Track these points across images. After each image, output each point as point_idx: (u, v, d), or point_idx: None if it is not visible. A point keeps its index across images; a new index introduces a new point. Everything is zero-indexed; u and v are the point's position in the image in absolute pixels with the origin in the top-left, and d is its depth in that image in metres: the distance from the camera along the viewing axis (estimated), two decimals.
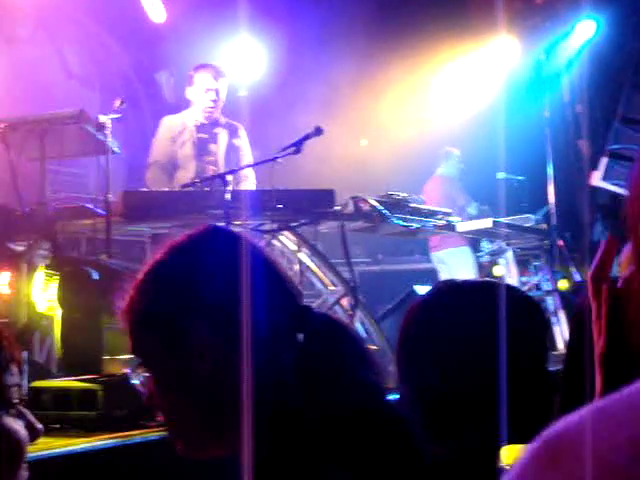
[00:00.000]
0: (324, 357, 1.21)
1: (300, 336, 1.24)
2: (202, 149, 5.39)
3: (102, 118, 4.46)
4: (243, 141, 5.55)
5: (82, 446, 2.65)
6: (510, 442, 1.37)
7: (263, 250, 1.36)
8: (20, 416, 1.31)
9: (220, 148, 5.43)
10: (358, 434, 1.15)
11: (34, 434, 1.33)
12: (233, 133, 5.50)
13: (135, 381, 2.62)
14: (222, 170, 5.36)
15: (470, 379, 1.38)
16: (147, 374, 1.29)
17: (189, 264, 1.26)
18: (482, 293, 1.45)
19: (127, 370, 3.17)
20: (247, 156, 5.54)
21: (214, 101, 5.38)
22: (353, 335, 1.30)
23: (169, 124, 5.44)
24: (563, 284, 7.09)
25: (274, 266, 1.31)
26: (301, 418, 1.15)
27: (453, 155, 8.13)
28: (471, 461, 1.37)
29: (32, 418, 1.34)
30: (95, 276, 3.96)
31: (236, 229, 4.53)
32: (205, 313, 1.21)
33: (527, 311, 1.47)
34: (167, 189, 4.94)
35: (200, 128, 5.41)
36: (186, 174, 5.30)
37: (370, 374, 1.23)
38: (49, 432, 3.04)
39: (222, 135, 5.46)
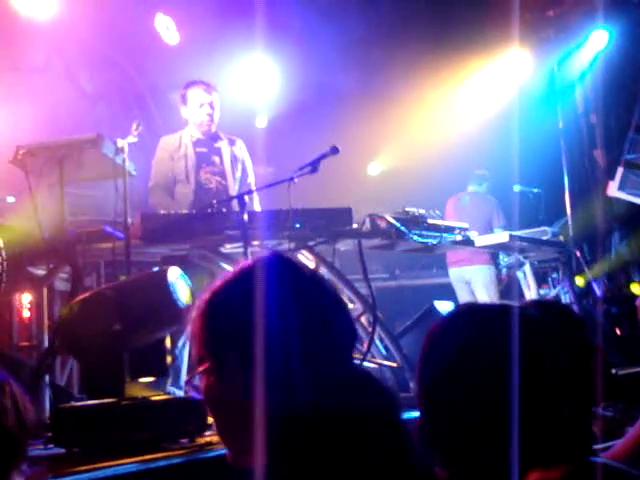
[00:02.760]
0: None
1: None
2: (203, 161, 5.44)
3: (120, 142, 4.50)
4: (245, 153, 5.64)
5: (105, 471, 2.66)
6: (530, 466, 1.37)
7: (324, 285, 1.37)
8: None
9: (225, 159, 5.49)
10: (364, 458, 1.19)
11: None
12: (234, 145, 5.58)
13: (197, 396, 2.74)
14: (229, 181, 5.42)
15: (490, 403, 1.38)
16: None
17: (245, 293, 1.29)
18: (501, 316, 1.46)
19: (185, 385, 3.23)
20: (250, 169, 5.60)
21: (210, 115, 5.45)
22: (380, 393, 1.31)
23: (166, 143, 5.51)
24: (579, 280, 7.09)
25: (332, 306, 1.34)
26: (314, 437, 1.20)
27: (486, 176, 7.98)
28: None
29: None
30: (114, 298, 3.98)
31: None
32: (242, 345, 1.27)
33: (545, 332, 1.48)
34: (186, 211, 4.97)
35: (197, 143, 5.47)
36: (186, 188, 5.35)
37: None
38: (71, 456, 3.06)
39: (224, 147, 5.52)
